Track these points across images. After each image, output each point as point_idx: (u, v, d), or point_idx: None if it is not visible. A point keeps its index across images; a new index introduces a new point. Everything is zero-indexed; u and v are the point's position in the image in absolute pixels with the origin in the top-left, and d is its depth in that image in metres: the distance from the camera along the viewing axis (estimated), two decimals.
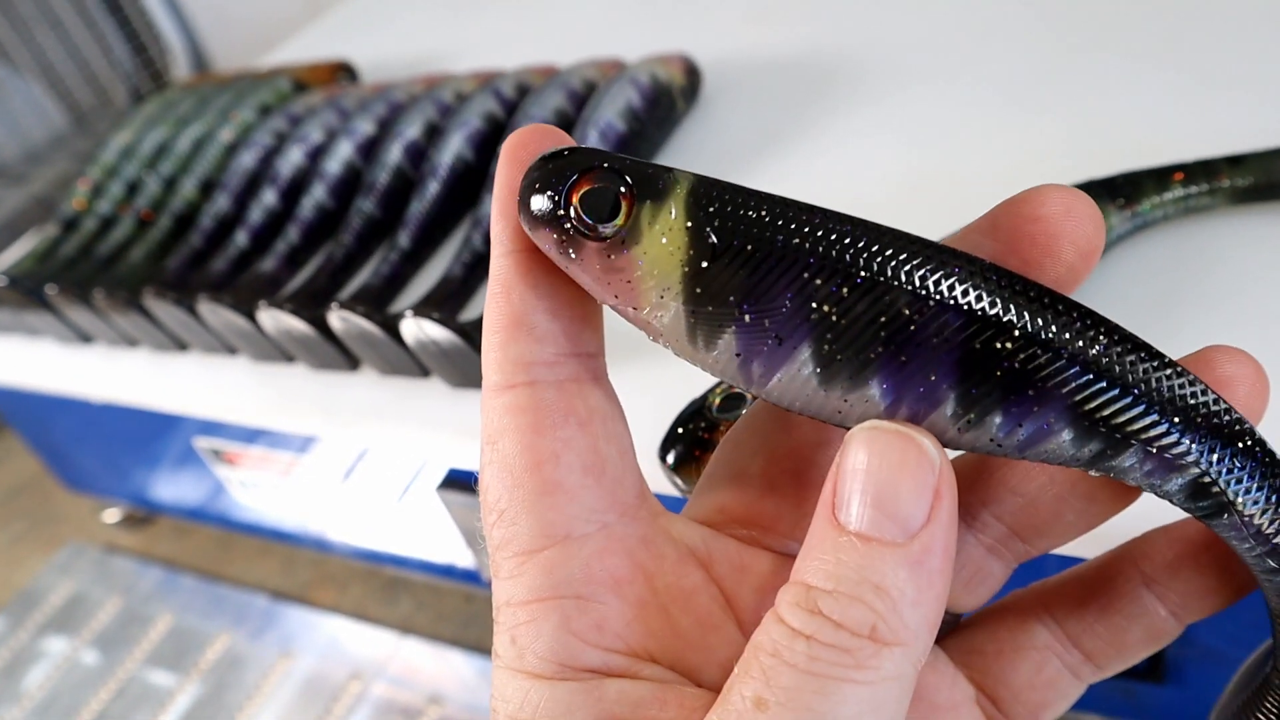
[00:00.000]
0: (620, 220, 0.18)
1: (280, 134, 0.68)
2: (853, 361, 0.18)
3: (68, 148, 1.34)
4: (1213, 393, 0.18)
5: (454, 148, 0.58)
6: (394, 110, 0.65)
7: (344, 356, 0.52)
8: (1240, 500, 0.18)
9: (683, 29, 0.71)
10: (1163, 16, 0.53)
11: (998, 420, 0.18)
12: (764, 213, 0.18)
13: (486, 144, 0.59)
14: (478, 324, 0.46)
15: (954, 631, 0.24)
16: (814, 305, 0.18)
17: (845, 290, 0.17)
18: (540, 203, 0.18)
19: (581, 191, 0.18)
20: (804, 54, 0.63)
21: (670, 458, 0.36)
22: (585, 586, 0.19)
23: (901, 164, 0.51)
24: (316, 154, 0.64)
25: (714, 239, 0.18)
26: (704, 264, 0.18)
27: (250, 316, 0.52)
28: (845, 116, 0.56)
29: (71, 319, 0.63)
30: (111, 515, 0.93)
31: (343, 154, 0.62)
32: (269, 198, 0.63)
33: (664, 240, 0.18)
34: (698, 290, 0.18)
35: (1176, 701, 0.47)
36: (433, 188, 0.57)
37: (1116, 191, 0.41)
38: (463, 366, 0.47)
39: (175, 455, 0.75)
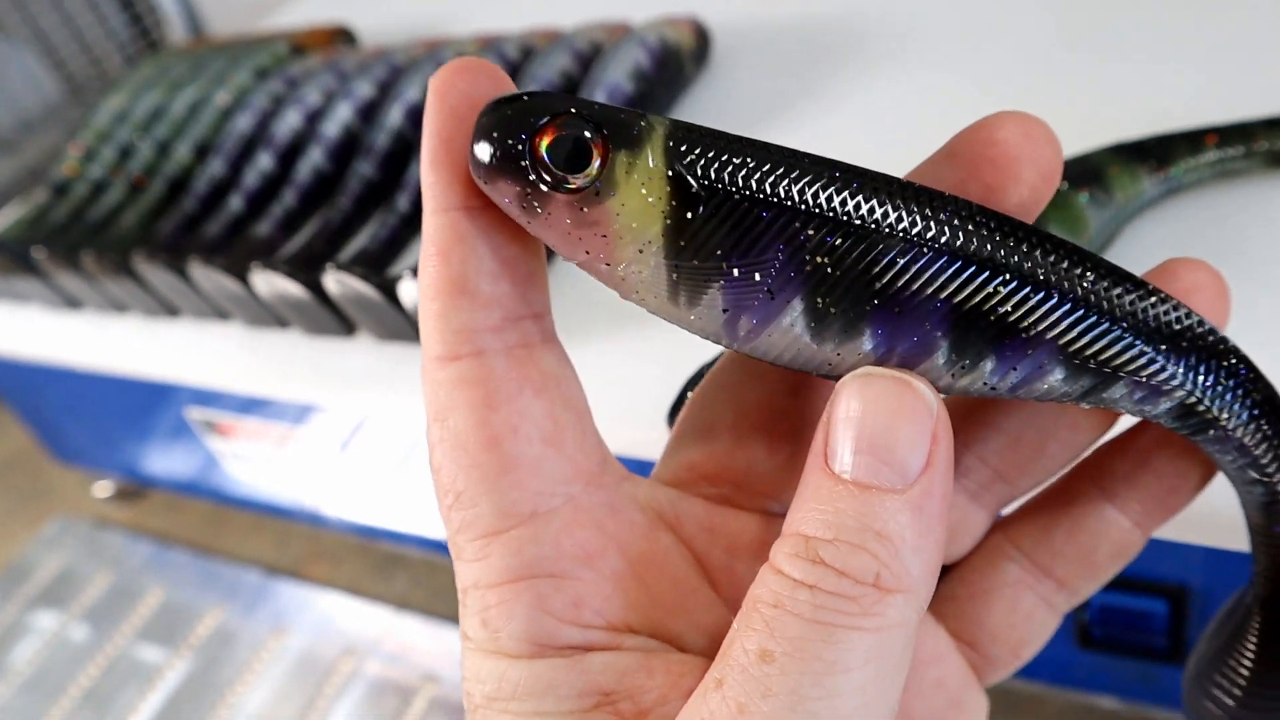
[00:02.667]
0: (593, 170, 0.17)
1: (277, 97, 0.66)
2: (847, 313, 0.17)
3: (62, 117, 1.32)
4: (1195, 315, 0.18)
5: None
6: (394, 73, 0.63)
7: (340, 321, 0.50)
8: (1224, 416, 0.19)
9: None
10: None
11: (990, 364, 0.18)
12: (750, 159, 0.17)
13: None
14: None
15: None
16: (807, 256, 0.17)
17: (839, 240, 0.17)
18: (499, 151, 0.17)
19: (548, 140, 0.16)
20: (817, 20, 0.62)
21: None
22: (557, 564, 0.18)
23: (916, 130, 0.49)
24: (314, 117, 0.62)
25: (698, 187, 0.17)
26: (688, 215, 0.17)
27: (243, 279, 0.50)
28: (858, 81, 0.54)
29: (60, 284, 0.62)
30: (103, 489, 0.91)
31: (341, 116, 0.61)
32: (265, 161, 0.61)
33: (643, 190, 0.17)
34: (681, 243, 0.17)
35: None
36: None
37: (1148, 154, 0.39)
38: None
39: (167, 427, 0.74)
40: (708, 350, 0.38)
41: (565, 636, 0.18)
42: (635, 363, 0.40)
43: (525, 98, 0.17)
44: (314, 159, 0.60)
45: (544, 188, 0.17)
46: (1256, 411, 0.19)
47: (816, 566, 0.16)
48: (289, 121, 0.63)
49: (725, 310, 0.17)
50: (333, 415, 0.62)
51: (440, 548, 0.69)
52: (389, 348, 0.49)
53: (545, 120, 0.16)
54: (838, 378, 0.18)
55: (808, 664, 0.16)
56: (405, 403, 0.47)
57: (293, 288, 0.48)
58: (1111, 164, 0.39)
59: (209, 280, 0.52)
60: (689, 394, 0.35)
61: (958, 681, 0.22)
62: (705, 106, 0.58)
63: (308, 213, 0.59)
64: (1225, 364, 0.18)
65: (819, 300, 0.17)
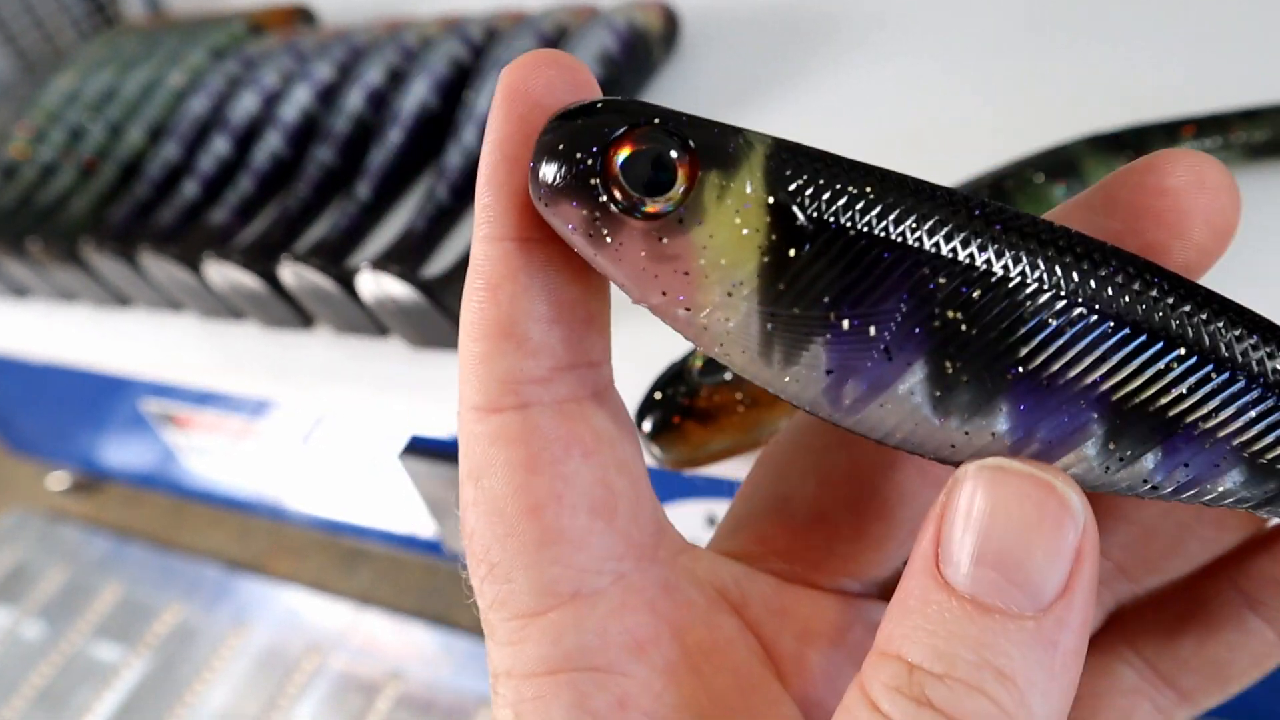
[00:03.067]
0: (677, 193, 0.14)
1: (233, 78, 0.64)
2: (982, 384, 0.14)
3: (12, 95, 1.28)
4: None
5: (418, 94, 0.55)
6: (354, 55, 0.61)
7: (297, 314, 0.48)
8: None
9: None
10: None
11: (1154, 460, 0.15)
12: (870, 188, 0.14)
13: (452, 90, 0.55)
14: (442, 280, 0.43)
15: None
16: (937, 310, 0.14)
17: (978, 291, 0.14)
18: (564, 166, 0.14)
19: (624, 154, 0.14)
20: (790, 3, 0.60)
21: (647, 425, 0.34)
22: (602, 655, 0.16)
23: (891, 118, 0.49)
24: (272, 100, 0.61)
25: (805, 220, 0.14)
26: (790, 252, 0.14)
27: (196, 270, 0.49)
28: (832, 69, 0.53)
29: (6, 271, 0.60)
30: (58, 481, 0.89)
31: (299, 100, 0.59)
32: (221, 145, 0.60)
33: (737, 220, 0.14)
34: (780, 287, 0.14)
35: None
36: (394, 136, 0.54)
37: (1124, 145, 0.39)
38: (423, 325, 0.44)
39: (122, 419, 0.72)
40: (680, 345, 0.37)
41: None
42: None
43: (599, 105, 0.14)
44: (271, 143, 0.58)
45: (616, 211, 0.14)
46: None
47: (923, 709, 0.14)
48: (245, 104, 0.61)
49: (830, 371, 0.15)
50: (293, 408, 0.60)
51: (405, 543, 0.68)
52: (348, 341, 0.48)
53: (622, 131, 0.14)
54: (958, 464, 0.15)
55: None
56: (365, 398, 0.45)
57: (248, 279, 0.47)
58: (1088, 156, 0.38)
59: (161, 270, 0.50)
60: (656, 394, 0.34)
61: None
62: (673, 92, 0.57)
63: (265, 199, 0.57)
64: None
65: (948, 364, 0.14)
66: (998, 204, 0.15)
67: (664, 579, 0.17)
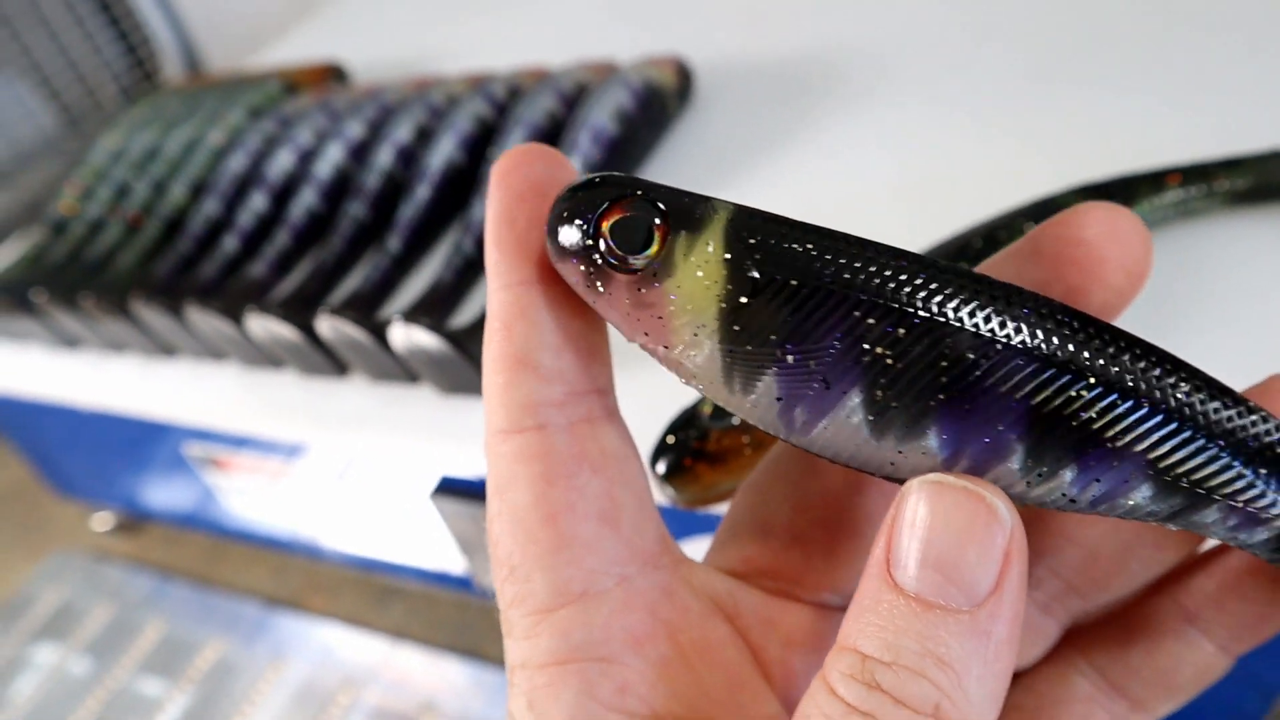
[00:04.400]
0: (653, 251, 0.17)
1: (270, 136, 0.67)
2: (910, 409, 0.16)
3: (58, 149, 1.34)
4: None
5: (444, 151, 0.58)
6: (384, 113, 0.64)
7: (332, 363, 0.51)
8: None
9: (675, 31, 0.70)
10: (1156, 19, 0.53)
11: (1070, 474, 0.16)
12: (810, 245, 0.17)
13: (477, 147, 0.58)
14: (468, 331, 0.46)
15: None
16: (866, 347, 0.16)
17: (902, 331, 0.16)
18: (569, 233, 0.17)
19: (613, 220, 0.17)
20: (797, 57, 0.63)
21: (661, 467, 0.36)
22: (606, 648, 0.18)
23: (894, 167, 0.51)
24: (306, 157, 0.64)
25: (755, 273, 0.17)
26: (743, 299, 0.17)
27: (238, 322, 0.51)
28: (838, 119, 0.56)
29: (59, 324, 0.63)
30: (101, 523, 0.92)
31: (333, 157, 0.62)
32: (258, 201, 0.63)
33: (699, 273, 0.17)
34: (736, 328, 0.17)
35: None
36: (423, 191, 0.57)
37: (1110, 195, 0.41)
38: (452, 373, 0.47)
39: (165, 461, 0.75)
40: (689, 393, 0.39)
41: None
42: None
43: (598, 180, 0.17)
44: (306, 199, 0.61)
45: (606, 267, 0.17)
46: None
47: (873, 692, 0.15)
48: (282, 162, 0.64)
49: (779, 399, 0.17)
50: (328, 451, 0.63)
51: (437, 579, 0.70)
52: (381, 389, 0.50)
53: (610, 203, 0.17)
54: (902, 481, 0.17)
55: None
56: (397, 443, 0.48)
57: (286, 331, 0.49)
58: (1074, 203, 0.40)
59: (205, 322, 0.53)
60: (669, 438, 0.36)
61: None
62: (688, 145, 0.59)
63: (301, 252, 0.60)
64: None
65: (879, 393, 0.16)
66: (920, 255, 0.17)
67: (664, 584, 0.19)
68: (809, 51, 0.62)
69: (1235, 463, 0.16)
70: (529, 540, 0.18)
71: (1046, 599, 0.21)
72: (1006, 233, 0.39)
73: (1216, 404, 0.16)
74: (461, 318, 0.48)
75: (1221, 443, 0.16)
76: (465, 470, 0.53)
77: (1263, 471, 0.16)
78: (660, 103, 0.59)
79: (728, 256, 0.17)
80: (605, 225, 0.17)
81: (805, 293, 0.16)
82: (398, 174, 0.59)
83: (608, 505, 0.18)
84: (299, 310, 0.50)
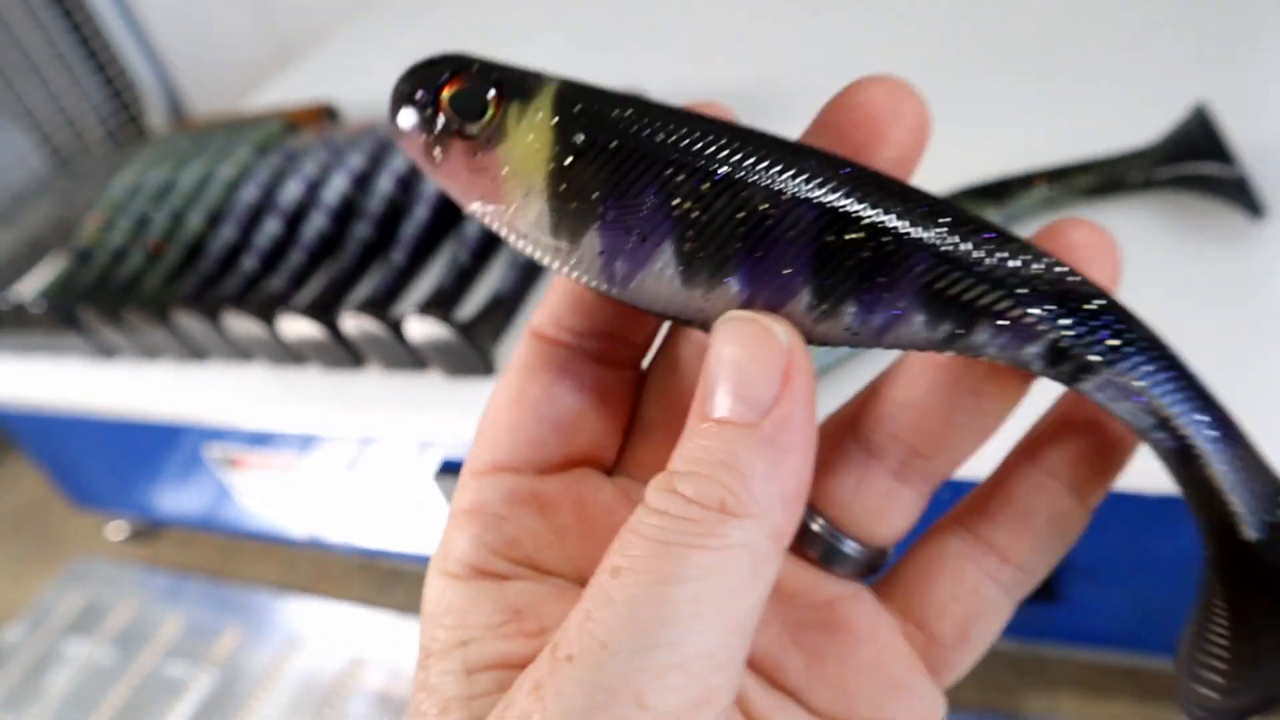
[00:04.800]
0: (488, 118, 0.18)
1: (278, 169, 0.76)
2: (713, 257, 0.18)
3: (51, 189, 1.41)
4: (1056, 260, 0.18)
5: None
6: (380, 146, 0.73)
7: (351, 356, 0.60)
8: (1096, 358, 0.18)
9: (636, 68, 0.80)
10: (1036, 52, 0.63)
11: (851, 309, 0.18)
12: (629, 112, 0.18)
13: None
14: (472, 322, 0.54)
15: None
16: (675, 202, 0.18)
17: (705, 186, 0.18)
18: (411, 105, 0.19)
19: (451, 91, 0.18)
20: (740, 84, 0.73)
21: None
22: (507, 508, 0.21)
23: None
24: (314, 186, 0.72)
25: (579, 136, 0.18)
26: (568, 161, 0.18)
27: (269, 323, 0.60)
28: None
29: (100, 337, 0.71)
30: (116, 531, 0.99)
31: (338, 186, 0.71)
32: (273, 225, 0.71)
33: (530, 138, 0.18)
34: (562, 187, 0.18)
35: (1067, 619, 0.56)
36: (421, 211, 0.66)
37: (990, 193, 0.51)
38: (457, 359, 0.55)
39: (184, 464, 0.82)
40: None
41: (494, 566, 0.21)
42: None
43: (437, 58, 0.19)
44: (317, 223, 0.69)
45: (445, 135, 0.18)
46: (1132, 349, 0.18)
47: (671, 495, 0.17)
48: (291, 191, 0.72)
49: (602, 253, 0.18)
50: (339, 442, 0.71)
51: None
52: (394, 376, 0.59)
53: (449, 75, 0.18)
54: (710, 325, 0.18)
55: (646, 577, 0.17)
56: (410, 420, 0.56)
57: (313, 329, 0.58)
58: (965, 203, 0.50)
59: (238, 325, 0.61)
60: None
61: (898, 663, 0.22)
62: None
63: (314, 268, 0.68)
64: (1090, 305, 0.18)
65: (687, 244, 0.18)
66: (725, 122, 0.18)
67: (590, 479, 0.22)
68: (749, 79, 0.72)
69: (998, 287, 0.18)
70: (494, 411, 0.21)
71: (897, 465, 0.22)
72: None
73: (976, 236, 0.18)
74: (463, 312, 0.57)
75: (983, 268, 0.18)
76: (468, 447, 0.62)
77: (1022, 291, 0.18)
78: None
79: (555, 122, 0.18)
80: (444, 95, 0.18)
81: (623, 154, 0.18)
82: (397, 198, 0.68)
83: (569, 417, 0.21)
84: (323, 311, 0.59)
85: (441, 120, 0.18)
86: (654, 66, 0.78)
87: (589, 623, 0.17)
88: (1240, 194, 0.46)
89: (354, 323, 0.56)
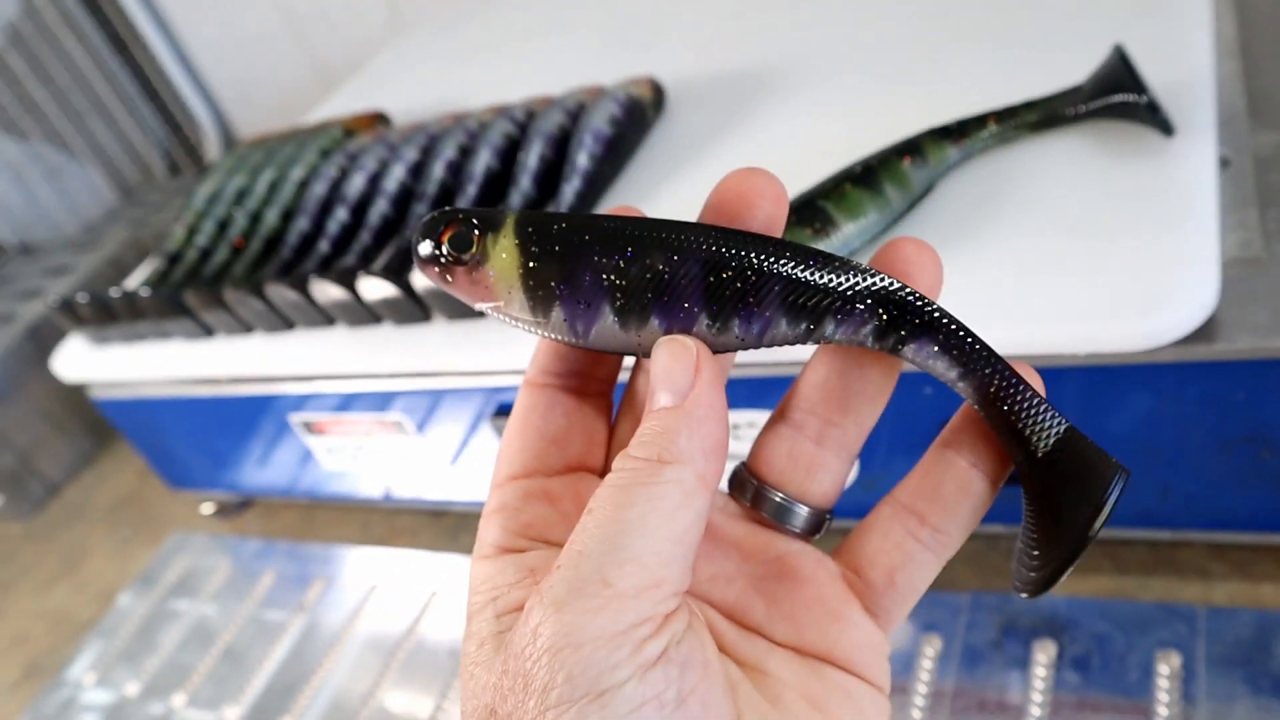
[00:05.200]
0: (474, 249, 0.25)
1: (342, 168, 0.87)
2: (636, 307, 0.25)
3: (121, 218, 1.54)
4: (870, 269, 0.25)
5: (484, 160, 0.77)
6: (431, 139, 0.84)
7: (421, 310, 0.70)
8: (905, 330, 0.25)
9: (648, 58, 0.91)
10: (988, 21, 0.73)
11: (736, 323, 0.25)
12: (564, 224, 0.25)
13: (508, 155, 0.78)
14: None
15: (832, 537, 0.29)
16: (604, 276, 0.25)
17: (621, 263, 0.24)
18: (424, 249, 0.26)
19: (448, 235, 0.25)
20: (744, 69, 0.83)
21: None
22: (521, 502, 0.28)
23: (818, 138, 0.70)
24: (375, 178, 0.83)
25: (534, 248, 0.25)
26: (531, 264, 0.25)
27: (351, 287, 0.71)
28: (774, 110, 0.75)
29: (202, 316, 0.82)
30: (207, 508, 1.10)
31: (397, 175, 0.81)
32: (341, 214, 0.82)
33: (504, 256, 0.25)
34: (530, 282, 0.25)
35: None
36: (471, 191, 0.76)
37: (951, 132, 0.60)
38: None
39: (270, 435, 0.93)
40: None
41: (515, 544, 0.27)
42: None
43: (436, 214, 0.26)
44: (380, 208, 0.80)
45: (450, 265, 0.26)
46: (931, 324, 0.25)
47: (625, 458, 0.24)
48: (355, 183, 0.83)
49: (565, 320, 0.25)
50: (407, 400, 0.81)
51: None
52: (458, 324, 0.69)
53: (444, 225, 0.26)
54: (648, 355, 0.25)
55: (607, 509, 0.23)
56: (475, 356, 0.67)
57: (389, 288, 0.68)
58: (926, 140, 0.59)
59: (322, 291, 0.72)
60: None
61: (836, 598, 0.27)
62: (666, 142, 0.79)
63: (379, 248, 0.79)
64: (896, 297, 0.25)
65: (618, 302, 0.25)
66: (630, 218, 0.25)
67: (588, 478, 0.30)
68: (753, 64, 0.82)
69: (830, 294, 0.25)
70: (507, 438, 0.29)
71: (815, 435, 0.28)
72: (877, 161, 0.59)
73: (812, 262, 0.25)
74: None
75: (820, 284, 0.25)
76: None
77: (849, 294, 0.25)
78: (641, 111, 0.78)
79: (517, 243, 0.25)
80: (445, 238, 0.25)
81: (564, 253, 0.25)
82: (449, 182, 0.79)
83: (562, 434, 0.29)
84: (396, 273, 0.69)
85: (446, 255, 0.25)
86: (665, 59, 0.89)
87: (571, 545, 0.23)
88: (1153, 117, 0.55)
89: (423, 279, 0.67)
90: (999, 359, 0.25)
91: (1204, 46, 0.60)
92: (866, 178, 0.57)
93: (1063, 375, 0.53)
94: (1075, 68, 0.61)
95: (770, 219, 0.26)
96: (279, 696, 0.84)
